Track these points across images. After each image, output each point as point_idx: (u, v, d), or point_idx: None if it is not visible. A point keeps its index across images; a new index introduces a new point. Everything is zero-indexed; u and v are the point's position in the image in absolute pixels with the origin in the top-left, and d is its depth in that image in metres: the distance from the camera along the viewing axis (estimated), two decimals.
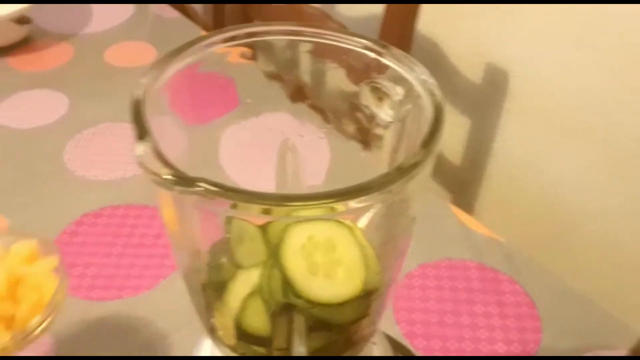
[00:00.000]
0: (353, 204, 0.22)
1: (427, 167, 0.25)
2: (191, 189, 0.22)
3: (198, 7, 1.10)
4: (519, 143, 0.86)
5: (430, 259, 0.61)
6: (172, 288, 0.58)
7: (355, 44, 0.30)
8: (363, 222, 0.28)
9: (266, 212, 0.21)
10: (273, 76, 0.39)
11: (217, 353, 0.34)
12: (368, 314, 0.30)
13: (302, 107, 0.40)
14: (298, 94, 0.40)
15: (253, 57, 0.38)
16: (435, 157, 0.26)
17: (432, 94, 0.27)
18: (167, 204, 0.27)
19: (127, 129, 0.74)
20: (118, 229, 0.63)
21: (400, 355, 0.48)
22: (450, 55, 0.88)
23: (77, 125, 0.75)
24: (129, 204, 0.66)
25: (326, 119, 0.37)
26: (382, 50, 0.29)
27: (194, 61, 0.32)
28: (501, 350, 0.54)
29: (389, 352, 0.39)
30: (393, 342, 0.50)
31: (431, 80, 0.27)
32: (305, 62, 0.39)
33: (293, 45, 0.35)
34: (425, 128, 0.26)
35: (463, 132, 0.92)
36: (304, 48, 0.35)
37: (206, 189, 0.22)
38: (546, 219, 0.87)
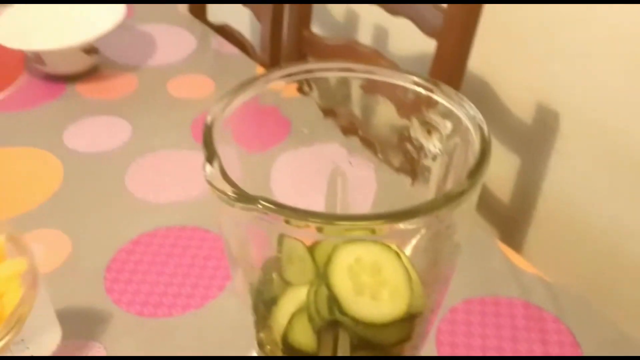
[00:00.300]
0: (400, 226, 0.24)
1: (473, 197, 0.26)
2: (251, 206, 0.24)
3: (256, 44, 1.15)
4: (570, 184, 0.85)
5: (475, 294, 0.61)
6: (219, 308, 0.60)
7: (406, 81, 0.31)
8: (409, 247, 0.30)
9: (319, 230, 0.23)
10: (326, 111, 0.41)
11: None
12: (411, 337, 0.31)
13: (353, 140, 0.42)
14: (350, 127, 0.42)
15: (308, 92, 0.40)
16: (480, 188, 0.27)
17: (479, 128, 0.28)
18: (227, 220, 0.29)
19: (184, 156, 0.78)
20: (171, 249, 0.66)
21: None
22: (500, 94, 0.89)
23: (139, 151, 0.79)
24: (183, 226, 0.69)
25: (375, 152, 0.39)
26: (432, 87, 0.31)
27: (255, 95, 0.35)
28: None
29: None
30: None
31: (479, 116, 0.29)
32: (357, 97, 0.41)
33: (346, 82, 0.38)
34: (472, 160, 0.27)
35: (513, 171, 0.91)
36: (357, 83, 0.37)
37: (264, 206, 0.24)
38: (596, 261, 0.85)
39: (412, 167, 0.33)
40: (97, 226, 0.69)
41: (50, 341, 0.56)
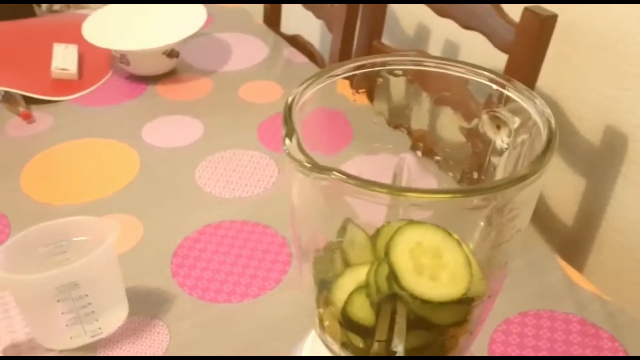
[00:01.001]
0: (465, 202, 0.25)
1: (536, 183, 0.27)
2: (324, 175, 0.26)
3: (325, 55, 1.19)
4: (635, 209, 0.83)
5: (532, 307, 0.61)
6: (275, 300, 0.62)
7: (481, 76, 0.33)
8: (475, 233, 0.31)
9: (390, 193, 0.25)
10: (393, 120, 0.43)
11: (319, 346, 0.37)
12: (467, 320, 0.32)
13: (417, 149, 0.43)
14: (416, 136, 0.43)
15: (379, 90, 0.42)
16: (544, 178, 0.28)
17: (547, 122, 0.30)
18: (300, 195, 0.31)
19: (250, 157, 0.81)
20: (233, 241, 0.69)
21: None
22: (569, 113, 0.88)
23: (209, 149, 0.83)
24: (245, 220, 0.72)
25: (441, 165, 0.40)
26: (505, 83, 0.32)
27: (324, 93, 0.36)
28: None
29: None
30: None
31: (548, 110, 0.30)
32: (426, 105, 0.42)
33: (412, 88, 0.39)
34: (538, 152, 0.29)
35: (577, 193, 0.90)
36: (426, 97, 0.39)
37: (337, 176, 0.26)
38: None
39: (479, 163, 0.35)
40: (167, 215, 0.73)
41: (117, 316, 0.60)
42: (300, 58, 1.05)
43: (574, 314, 0.60)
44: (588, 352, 0.57)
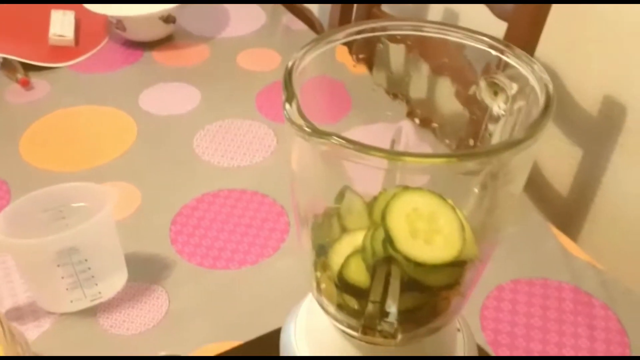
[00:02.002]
0: (461, 167, 0.25)
1: (532, 148, 0.28)
2: (324, 140, 0.26)
3: (324, 22, 1.18)
4: (631, 179, 0.84)
5: (524, 275, 0.62)
6: (273, 267, 0.63)
7: (480, 42, 0.33)
8: (470, 197, 0.31)
9: (387, 157, 0.25)
10: (391, 89, 0.43)
11: (316, 308, 0.38)
12: (459, 282, 0.32)
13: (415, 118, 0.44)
14: (414, 105, 0.43)
15: (370, 66, 0.41)
16: (539, 144, 0.29)
17: (545, 87, 0.30)
18: (300, 160, 0.31)
19: (248, 126, 0.81)
20: (231, 210, 0.70)
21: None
22: (567, 83, 0.88)
23: (207, 117, 0.83)
24: (243, 189, 0.72)
25: (438, 133, 0.41)
26: (504, 49, 0.32)
27: (324, 60, 0.36)
28: None
29: (472, 342, 0.41)
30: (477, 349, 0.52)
31: (546, 76, 0.30)
32: (425, 73, 0.42)
33: (411, 56, 0.39)
34: (535, 118, 0.29)
35: (574, 163, 0.90)
36: (425, 66, 0.39)
37: (336, 140, 0.26)
38: None
39: (476, 130, 0.35)
40: (165, 183, 0.73)
41: (117, 281, 0.61)
42: (299, 25, 1.04)
43: (567, 282, 0.61)
44: (580, 320, 0.58)
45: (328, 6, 1.13)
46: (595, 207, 0.89)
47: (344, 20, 1.06)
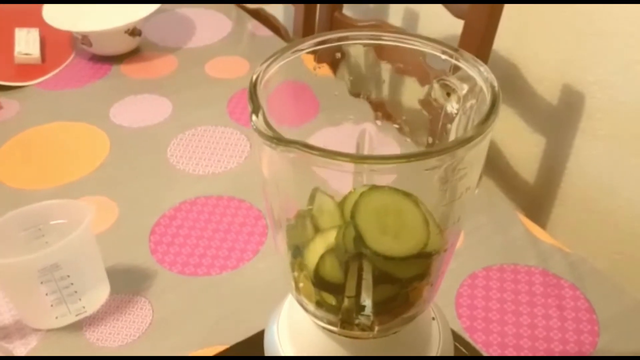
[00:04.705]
0: (420, 165, 0.27)
1: (482, 144, 0.30)
2: (290, 148, 0.28)
3: (289, 28, 1.19)
4: (594, 163, 0.87)
5: (495, 262, 0.65)
6: (253, 270, 0.65)
7: (432, 48, 0.35)
8: (430, 190, 0.33)
9: (352, 161, 0.27)
10: (355, 89, 0.45)
11: (296, 308, 0.39)
12: (428, 273, 0.34)
13: (379, 116, 0.46)
14: (377, 103, 0.45)
15: (341, 65, 0.43)
16: (490, 138, 0.31)
17: (491, 87, 0.32)
18: (270, 168, 0.33)
19: (221, 132, 0.83)
20: (209, 216, 0.71)
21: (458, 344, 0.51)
22: (527, 73, 0.91)
23: (179, 127, 0.84)
24: (220, 196, 0.73)
25: (401, 130, 0.43)
26: (453, 53, 0.35)
27: (292, 61, 0.38)
28: (557, 350, 0.56)
29: (447, 329, 0.43)
30: (453, 334, 0.54)
31: (491, 76, 0.32)
32: (386, 74, 0.44)
33: (376, 62, 0.41)
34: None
35: (538, 151, 0.94)
36: (386, 67, 0.41)
37: (300, 148, 0.28)
38: (617, 241, 0.87)
39: (433, 128, 0.37)
40: (142, 194, 0.74)
41: (100, 294, 0.62)
42: (265, 32, 1.05)
43: (536, 267, 0.64)
44: (551, 301, 0.61)
45: (292, 12, 1.15)
46: (561, 192, 0.93)
47: (307, 25, 1.07)
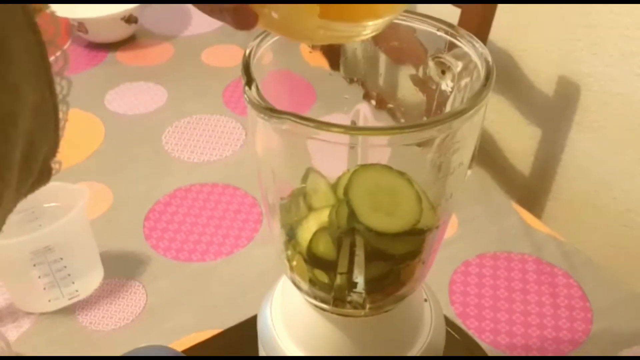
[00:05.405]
0: (414, 137, 0.27)
1: (476, 117, 0.30)
2: (282, 119, 0.28)
3: None
4: (589, 156, 0.87)
5: (489, 250, 0.65)
6: (247, 256, 0.65)
7: (427, 24, 0.35)
8: (424, 164, 0.33)
9: (345, 132, 0.27)
10: (345, 75, 0.44)
11: (289, 289, 0.39)
12: (420, 250, 0.34)
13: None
14: (369, 89, 0.45)
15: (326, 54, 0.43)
16: (484, 112, 0.31)
17: (485, 61, 0.32)
18: (265, 144, 0.33)
19: (216, 121, 0.82)
20: (204, 203, 0.71)
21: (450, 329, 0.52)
22: (522, 65, 0.91)
23: (175, 114, 0.84)
24: (215, 183, 0.73)
25: (396, 110, 0.42)
26: (449, 30, 0.34)
27: (282, 44, 0.38)
28: (550, 336, 0.56)
29: (439, 311, 0.43)
30: (446, 320, 0.54)
31: (486, 52, 0.32)
32: (382, 60, 0.44)
33: (363, 42, 0.41)
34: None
35: (534, 143, 0.94)
36: (383, 57, 0.41)
37: (293, 119, 0.28)
38: (612, 232, 0.87)
39: (428, 108, 0.37)
40: (136, 181, 0.74)
41: (93, 278, 0.62)
42: None
43: (529, 254, 0.64)
44: (544, 289, 0.61)
45: None
46: (556, 184, 0.93)
47: None
